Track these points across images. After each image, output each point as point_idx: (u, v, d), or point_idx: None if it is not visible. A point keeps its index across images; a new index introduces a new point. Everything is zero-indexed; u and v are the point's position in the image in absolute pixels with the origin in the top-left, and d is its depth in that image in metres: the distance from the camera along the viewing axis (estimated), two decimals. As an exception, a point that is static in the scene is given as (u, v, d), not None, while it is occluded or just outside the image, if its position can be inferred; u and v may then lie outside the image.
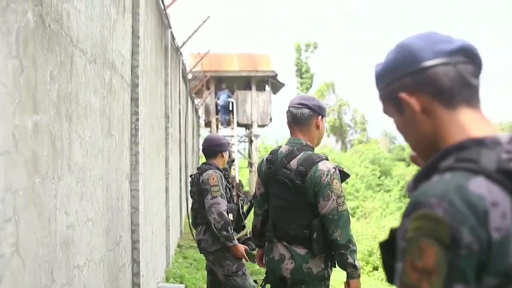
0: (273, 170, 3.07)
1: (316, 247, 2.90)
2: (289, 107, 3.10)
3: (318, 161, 2.90)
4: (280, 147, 3.15)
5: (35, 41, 1.70)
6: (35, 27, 1.69)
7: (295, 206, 2.96)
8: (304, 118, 3.03)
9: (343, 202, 2.88)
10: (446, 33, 1.09)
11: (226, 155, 4.30)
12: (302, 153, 2.96)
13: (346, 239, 2.85)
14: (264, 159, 3.22)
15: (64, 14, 2.04)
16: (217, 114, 22.94)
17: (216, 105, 22.83)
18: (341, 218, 2.84)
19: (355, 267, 2.89)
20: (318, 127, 3.07)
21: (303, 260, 2.94)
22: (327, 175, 2.85)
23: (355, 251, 2.91)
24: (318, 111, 3.06)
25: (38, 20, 1.72)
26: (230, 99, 22.52)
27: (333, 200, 2.83)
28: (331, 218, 2.84)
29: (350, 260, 2.86)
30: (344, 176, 3.04)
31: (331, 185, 2.84)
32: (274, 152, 3.16)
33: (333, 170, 2.89)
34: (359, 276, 2.91)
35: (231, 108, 22.80)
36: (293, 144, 3.04)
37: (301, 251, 2.95)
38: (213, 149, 4.28)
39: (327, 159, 3.00)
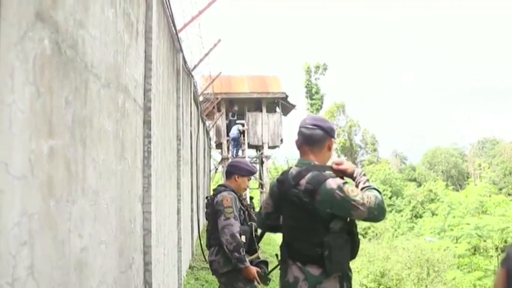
0: (283, 190, 3.08)
1: (328, 265, 2.85)
2: (301, 128, 3.11)
3: (325, 180, 2.86)
4: (291, 168, 3.16)
5: (51, 67, 1.73)
6: (51, 54, 1.73)
7: (306, 224, 2.93)
8: (317, 139, 3.05)
9: (368, 196, 2.80)
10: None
11: (241, 179, 4.30)
12: (310, 173, 2.95)
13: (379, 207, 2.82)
14: (275, 180, 3.24)
15: (79, 41, 2.09)
16: (228, 149, 23.11)
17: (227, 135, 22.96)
18: (378, 207, 2.80)
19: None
20: (329, 148, 3.11)
21: (317, 281, 2.89)
22: (339, 190, 2.79)
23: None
24: (331, 133, 3.09)
25: (54, 46, 1.76)
26: (241, 128, 22.61)
27: (361, 205, 2.77)
28: (373, 216, 2.82)
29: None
30: None
31: (349, 196, 2.78)
32: (284, 173, 3.17)
33: (342, 183, 2.85)
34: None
35: (242, 129, 22.87)
36: (301, 165, 3.05)
37: (315, 271, 2.90)
38: (229, 170, 4.33)
39: (333, 176, 2.96)
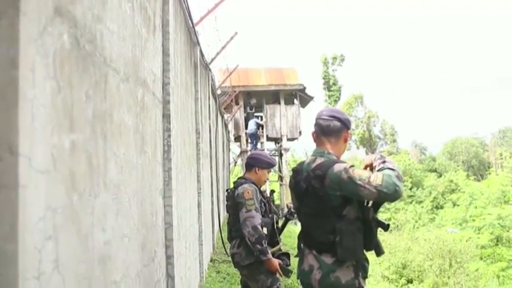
0: (297, 179, 3.09)
1: (340, 251, 2.83)
2: (318, 119, 3.12)
3: (333, 164, 2.86)
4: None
5: (71, 62, 1.74)
6: (70, 49, 1.73)
7: (318, 211, 2.93)
8: (334, 130, 3.06)
9: (376, 176, 2.70)
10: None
11: (261, 172, 4.29)
12: (322, 159, 2.98)
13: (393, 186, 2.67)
14: (291, 170, 3.26)
15: (98, 35, 2.09)
16: (246, 142, 23.10)
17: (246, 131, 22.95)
18: (388, 185, 2.65)
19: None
20: (345, 140, 3.14)
21: (330, 269, 2.88)
22: (345, 172, 2.76)
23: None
24: (347, 124, 3.12)
25: (73, 41, 1.77)
26: (259, 122, 22.58)
27: (368, 185, 2.68)
28: (384, 195, 2.68)
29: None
30: (381, 225, 3.00)
31: (354, 177, 2.73)
32: (300, 163, 3.20)
33: (348, 165, 2.81)
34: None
35: (261, 122, 22.85)
36: (315, 154, 3.08)
37: (328, 259, 2.90)
38: (249, 162, 4.33)
39: (345, 162, 2.92)
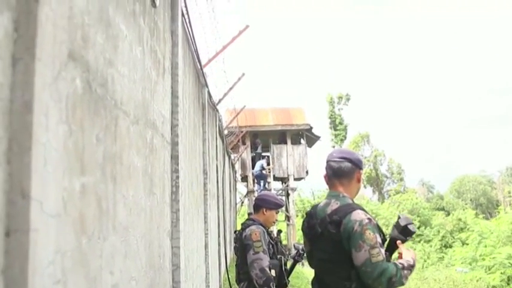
0: (311, 223, 3.06)
1: None
2: (329, 161, 3.11)
3: (352, 211, 2.84)
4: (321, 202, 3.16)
5: (83, 105, 1.76)
6: (82, 93, 1.76)
7: (334, 257, 2.88)
8: (346, 172, 3.04)
9: (377, 253, 2.71)
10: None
11: (269, 212, 4.28)
12: (338, 203, 2.94)
13: (386, 279, 2.68)
14: (305, 213, 3.23)
15: (109, 79, 2.13)
16: (253, 182, 23.15)
17: (253, 174, 23.03)
18: (375, 269, 2.68)
19: (409, 270, 2.79)
20: (358, 180, 3.10)
21: None
22: (359, 225, 2.75)
23: (401, 277, 2.74)
24: (359, 165, 3.09)
25: (85, 85, 1.79)
26: (265, 166, 22.68)
27: (365, 250, 2.70)
28: (364, 270, 2.70)
29: (404, 281, 2.73)
30: (407, 232, 2.97)
31: (363, 235, 2.72)
32: (314, 206, 3.17)
33: (367, 220, 2.79)
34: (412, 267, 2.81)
35: (266, 167, 22.90)
36: (330, 197, 3.04)
37: None
38: (257, 203, 4.32)
39: (362, 209, 2.92)
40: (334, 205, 2.95)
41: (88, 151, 1.83)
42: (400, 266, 2.78)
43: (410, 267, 2.82)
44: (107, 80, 2.10)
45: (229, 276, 8.45)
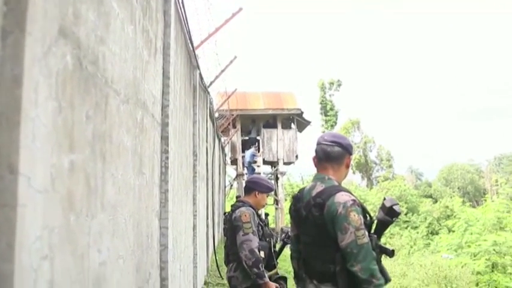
0: (297, 207, 3.06)
1: (340, 282, 2.77)
2: (320, 144, 3.08)
3: (335, 193, 2.83)
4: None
5: (73, 82, 1.75)
6: (73, 70, 1.75)
7: (318, 240, 2.88)
8: (336, 156, 3.02)
9: (362, 235, 2.70)
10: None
11: (261, 196, 4.29)
12: (323, 186, 2.93)
13: (368, 273, 2.66)
14: (292, 197, 3.22)
15: (100, 57, 2.11)
16: (243, 166, 23.18)
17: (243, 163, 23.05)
18: (360, 251, 2.67)
19: None
20: (347, 166, 3.08)
21: None
22: (343, 207, 2.74)
23: (380, 285, 2.69)
24: (349, 150, 3.08)
25: (75, 62, 1.78)
26: (255, 153, 22.68)
27: (351, 232, 2.69)
28: (350, 251, 2.69)
29: None
30: (393, 213, 2.93)
31: (348, 217, 2.71)
32: (301, 190, 3.15)
33: (351, 202, 2.78)
34: None
35: (257, 155, 22.91)
36: (316, 179, 3.03)
37: None
38: (248, 185, 4.33)
39: (347, 191, 2.90)
40: (319, 188, 2.94)
41: (77, 128, 1.82)
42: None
43: None
44: (98, 57, 2.08)
45: (217, 258, 8.51)
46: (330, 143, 3.04)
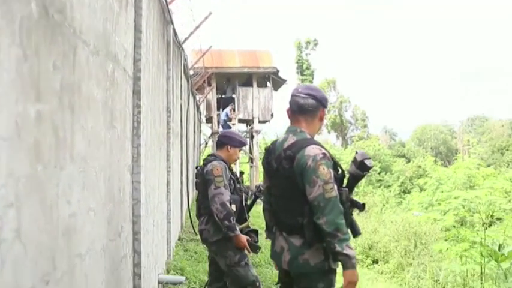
0: (269, 159, 3.05)
1: (308, 234, 2.79)
2: (294, 96, 3.04)
3: (306, 146, 2.82)
4: None
5: (38, 31, 1.71)
6: (38, 17, 1.70)
7: (288, 193, 2.89)
8: (310, 109, 2.99)
9: (331, 188, 2.70)
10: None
11: (233, 150, 4.28)
12: (294, 138, 2.92)
13: (333, 227, 2.65)
14: (264, 150, 3.21)
15: (67, 5, 2.06)
16: (218, 124, 23.09)
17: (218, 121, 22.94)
18: (327, 205, 2.67)
19: (346, 256, 2.66)
20: (321, 119, 3.06)
21: (299, 251, 2.85)
22: (312, 160, 2.74)
23: (345, 240, 2.67)
24: (324, 103, 3.05)
25: (41, 10, 1.74)
26: (230, 116, 22.53)
27: (319, 186, 2.69)
28: (317, 204, 2.69)
29: (338, 248, 2.64)
30: (364, 167, 2.91)
31: (316, 171, 2.71)
32: (273, 142, 3.14)
33: (321, 155, 2.77)
34: (353, 267, 2.67)
35: (231, 116, 22.82)
36: (289, 132, 3.01)
37: (297, 241, 2.87)
38: (221, 140, 4.32)
39: (318, 144, 2.89)
40: (291, 140, 2.93)
41: (44, 78, 1.79)
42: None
43: (351, 258, 2.68)
44: (65, 5, 2.03)
45: (191, 215, 8.56)
46: (304, 95, 3.00)
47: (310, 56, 48.40)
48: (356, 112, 57.77)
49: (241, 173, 18.46)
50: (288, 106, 3.10)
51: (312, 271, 2.85)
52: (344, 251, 2.65)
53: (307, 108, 3.00)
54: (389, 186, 40.15)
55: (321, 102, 3.04)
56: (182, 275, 6.39)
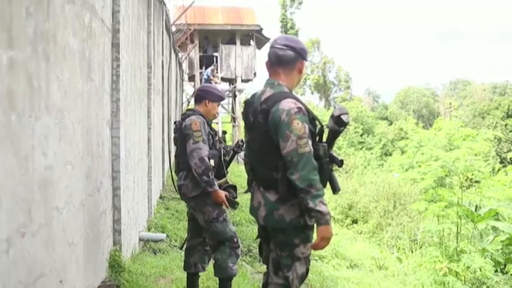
0: (248, 112, 2.99)
1: (282, 189, 2.77)
2: (272, 47, 2.95)
3: (282, 99, 2.75)
4: None
5: (10, -27, 1.64)
6: (9, -41, 1.63)
7: (263, 147, 2.84)
8: (288, 60, 2.90)
9: (305, 144, 2.63)
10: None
11: (211, 105, 4.22)
12: (272, 91, 2.85)
13: (306, 183, 2.60)
14: (243, 102, 3.15)
15: None
16: (200, 82, 22.80)
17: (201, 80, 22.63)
18: (301, 160, 2.62)
19: (319, 212, 2.59)
20: (300, 71, 2.97)
21: (274, 207, 2.83)
22: (287, 114, 2.67)
23: (318, 196, 2.60)
24: (303, 54, 2.96)
25: (12, -49, 1.66)
26: (210, 76, 22.20)
27: (292, 140, 2.63)
28: (290, 160, 2.64)
29: (311, 205, 2.58)
30: (340, 122, 2.85)
31: (290, 125, 2.65)
32: (253, 95, 3.06)
33: (296, 109, 2.70)
34: (327, 223, 2.62)
35: (215, 63, 22.60)
36: (267, 85, 2.94)
37: (272, 197, 2.84)
38: (199, 94, 4.24)
39: (295, 98, 2.81)
40: (268, 93, 2.87)
41: (16, 24, 1.72)
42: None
43: (324, 214, 2.63)
44: (37, -51, 1.95)
45: (173, 173, 8.54)
46: (282, 46, 2.91)
47: (295, 15, 47.94)
48: (339, 73, 57.62)
49: (224, 132, 18.40)
50: (267, 59, 3.01)
51: (288, 226, 2.84)
52: (317, 207, 2.61)
53: (285, 60, 2.91)
54: (371, 148, 40.46)
55: (300, 54, 2.94)
56: (163, 232, 6.41)
